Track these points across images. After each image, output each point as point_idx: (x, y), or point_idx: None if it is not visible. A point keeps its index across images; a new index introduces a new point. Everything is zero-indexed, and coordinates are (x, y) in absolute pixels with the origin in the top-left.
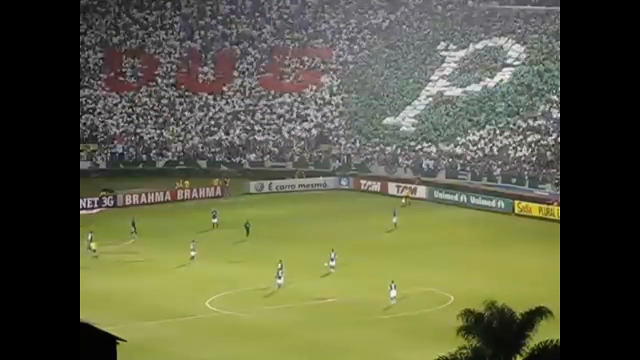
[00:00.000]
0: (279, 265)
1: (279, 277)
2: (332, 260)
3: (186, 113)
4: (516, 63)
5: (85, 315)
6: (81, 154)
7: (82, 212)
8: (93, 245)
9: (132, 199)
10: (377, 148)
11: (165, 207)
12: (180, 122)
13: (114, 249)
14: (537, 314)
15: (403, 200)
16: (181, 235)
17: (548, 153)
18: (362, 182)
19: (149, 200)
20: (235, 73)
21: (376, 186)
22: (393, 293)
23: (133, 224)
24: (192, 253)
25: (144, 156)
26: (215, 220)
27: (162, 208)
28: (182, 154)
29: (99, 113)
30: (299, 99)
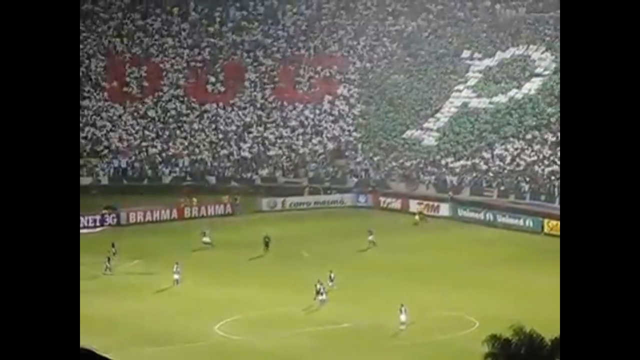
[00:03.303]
0: (319, 286)
1: (321, 294)
2: (331, 280)
3: (194, 125)
4: (546, 72)
5: (87, 340)
6: (82, 169)
7: (83, 230)
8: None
9: (136, 217)
10: (397, 163)
11: (171, 226)
12: (188, 135)
13: (117, 270)
14: None
15: (416, 217)
16: (189, 255)
17: None
18: (382, 199)
19: (154, 218)
20: (246, 83)
21: (396, 203)
22: (403, 317)
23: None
24: (176, 276)
25: (149, 171)
26: (206, 239)
27: (167, 226)
28: (189, 169)
29: (101, 125)
30: (314, 111)
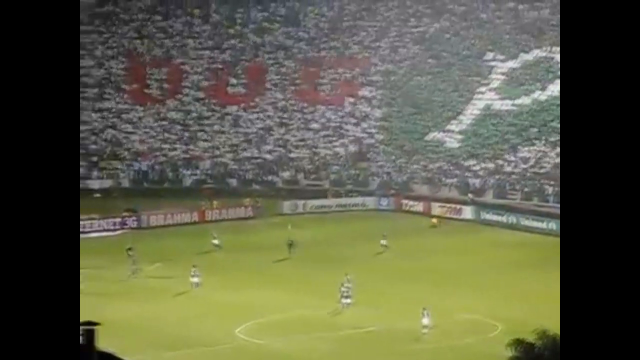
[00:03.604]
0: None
1: (346, 297)
2: (348, 283)
3: (215, 127)
4: None
5: (107, 343)
6: (103, 171)
7: (103, 233)
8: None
9: (156, 220)
10: (420, 165)
11: (192, 229)
12: (209, 138)
13: (138, 274)
14: None
15: (434, 220)
16: (210, 258)
17: None
18: (404, 202)
19: (174, 221)
20: (268, 85)
21: (419, 206)
22: (426, 321)
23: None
24: (195, 279)
25: (170, 174)
26: (216, 242)
27: (188, 229)
28: (210, 171)
29: (122, 127)
30: (336, 113)
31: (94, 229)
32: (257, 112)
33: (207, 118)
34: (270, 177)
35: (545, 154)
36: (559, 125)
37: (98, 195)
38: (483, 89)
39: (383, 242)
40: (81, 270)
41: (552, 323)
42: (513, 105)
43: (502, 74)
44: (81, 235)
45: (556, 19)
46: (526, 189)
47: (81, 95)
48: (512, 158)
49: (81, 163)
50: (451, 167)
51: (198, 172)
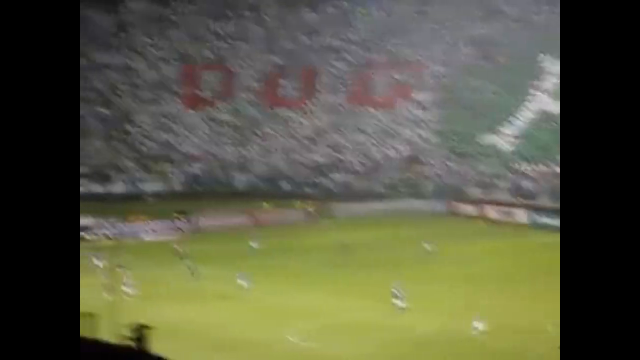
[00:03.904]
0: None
1: (399, 300)
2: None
3: (267, 130)
4: None
5: (158, 347)
6: (155, 174)
7: (155, 236)
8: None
9: (208, 223)
10: (473, 168)
11: (244, 232)
12: (261, 141)
13: (190, 277)
14: None
15: (484, 223)
16: (262, 261)
17: None
18: (457, 205)
19: (227, 224)
20: (320, 87)
21: (471, 210)
22: (478, 325)
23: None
24: (244, 282)
25: (223, 177)
26: (253, 244)
27: (240, 232)
28: (263, 174)
29: (175, 131)
30: (389, 116)
31: (146, 232)
32: (309, 115)
33: (259, 121)
34: (322, 180)
35: None
36: None
37: (150, 198)
38: (536, 91)
39: (427, 246)
40: (133, 273)
41: None
42: None
43: (556, 75)
44: (133, 238)
45: None
46: None
47: (135, 98)
48: None
49: (134, 166)
50: (504, 170)
51: (250, 175)
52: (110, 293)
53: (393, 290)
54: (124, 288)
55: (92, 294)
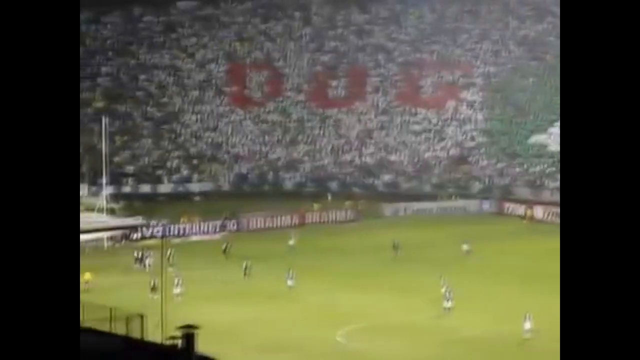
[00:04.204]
0: (445, 290)
1: (448, 301)
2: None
3: (315, 131)
4: None
5: (211, 348)
6: (203, 175)
7: (203, 236)
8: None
9: (256, 223)
10: (522, 168)
11: (293, 232)
12: (309, 141)
13: (237, 277)
14: None
15: (524, 222)
16: (310, 262)
17: None
18: (506, 205)
19: (275, 225)
20: (369, 88)
21: (521, 210)
22: (528, 325)
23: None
24: (290, 282)
25: (270, 177)
26: (291, 242)
27: (289, 233)
28: (311, 174)
29: (222, 130)
30: (437, 116)
31: (194, 232)
32: (358, 115)
33: (308, 121)
34: (370, 180)
35: None
36: None
37: (198, 198)
38: None
39: (465, 247)
40: (181, 273)
41: None
42: None
43: None
44: (182, 239)
45: None
46: None
47: (183, 98)
48: None
49: (182, 166)
50: (553, 170)
51: (298, 175)
52: (157, 293)
53: (440, 290)
54: (173, 289)
55: (140, 293)
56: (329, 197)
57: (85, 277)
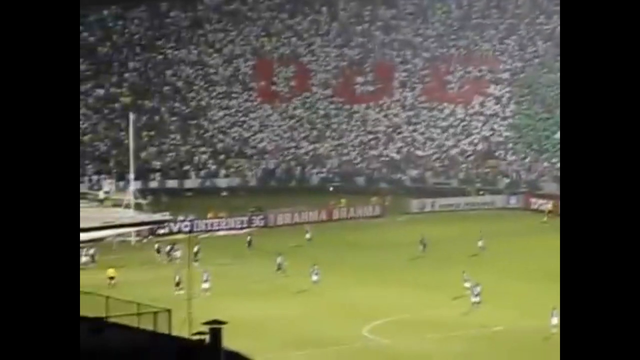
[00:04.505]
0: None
1: (475, 296)
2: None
3: (342, 126)
4: None
5: (238, 343)
6: (230, 170)
7: (230, 232)
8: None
9: (284, 219)
10: (549, 164)
11: (319, 227)
12: (336, 136)
13: (265, 272)
14: None
15: (545, 219)
16: (337, 257)
17: None
18: (533, 200)
19: (302, 220)
20: (396, 83)
21: (548, 205)
22: (555, 320)
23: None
24: (315, 277)
25: (297, 172)
26: (307, 236)
27: (316, 228)
28: (337, 170)
29: (249, 126)
30: (464, 111)
31: (221, 227)
32: (385, 110)
33: (335, 116)
34: (397, 176)
35: None
36: None
37: (225, 193)
38: None
39: (480, 243)
40: (208, 269)
41: None
42: None
43: None
44: (209, 234)
45: None
46: None
47: (209, 93)
48: None
49: (209, 161)
50: None
51: (325, 170)
52: (182, 289)
53: (467, 285)
54: (202, 284)
55: (167, 289)
56: (341, 200)
57: (109, 272)
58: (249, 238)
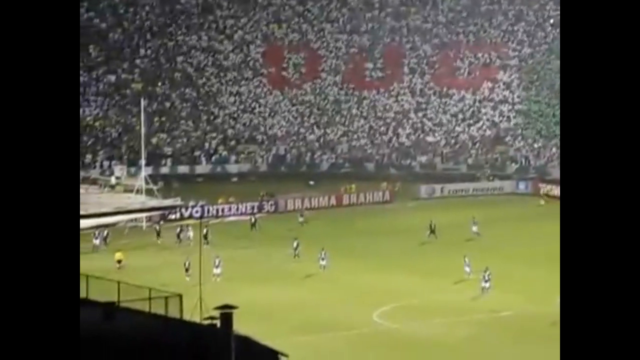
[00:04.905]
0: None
1: (486, 281)
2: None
3: (352, 112)
4: None
5: (248, 328)
6: (241, 155)
7: (241, 217)
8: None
9: (294, 204)
10: (558, 149)
11: (329, 213)
12: (346, 122)
13: (278, 258)
14: None
15: (542, 202)
16: (346, 242)
17: None
18: (542, 186)
19: (312, 205)
20: (405, 69)
21: (557, 190)
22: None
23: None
24: (322, 262)
25: (307, 158)
26: (301, 219)
27: (326, 213)
28: (347, 155)
29: (260, 112)
30: (473, 97)
31: (232, 213)
32: (395, 97)
33: (345, 102)
34: (407, 161)
35: None
36: None
37: (236, 179)
38: None
39: (474, 228)
40: (219, 254)
41: None
42: None
43: None
44: (220, 219)
45: None
46: None
47: (220, 79)
48: None
49: (220, 147)
50: None
51: (335, 156)
52: (190, 274)
53: (467, 269)
54: (213, 269)
55: (177, 273)
56: (351, 185)
57: (117, 256)
58: (252, 219)
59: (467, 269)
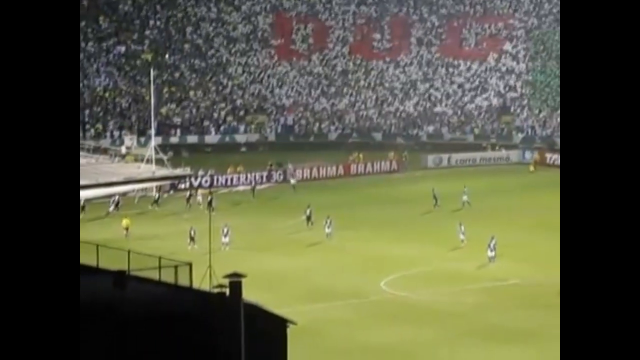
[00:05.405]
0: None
1: (491, 250)
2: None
3: (360, 82)
4: None
5: (257, 296)
6: (249, 126)
7: (249, 187)
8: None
9: (302, 174)
10: None
11: (337, 182)
12: (354, 92)
13: (285, 226)
14: None
15: (531, 168)
16: (354, 212)
17: None
18: (548, 155)
19: (320, 175)
20: (412, 40)
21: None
22: None
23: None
24: (328, 230)
25: (316, 128)
26: (293, 182)
27: (334, 183)
28: (355, 125)
29: (268, 82)
30: (480, 67)
31: (240, 183)
32: (402, 67)
33: (352, 73)
34: (414, 131)
35: None
36: None
37: (244, 149)
38: None
39: (465, 198)
40: (226, 223)
41: None
42: None
43: None
44: (228, 189)
45: None
46: None
47: (229, 50)
48: None
49: (228, 118)
50: None
51: (342, 126)
52: (195, 243)
53: (462, 237)
54: (222, 238)
55: (187, 242)
56: (358, 155)
57: (124, 223)
58: (251, 186)
59: (462, 237)
